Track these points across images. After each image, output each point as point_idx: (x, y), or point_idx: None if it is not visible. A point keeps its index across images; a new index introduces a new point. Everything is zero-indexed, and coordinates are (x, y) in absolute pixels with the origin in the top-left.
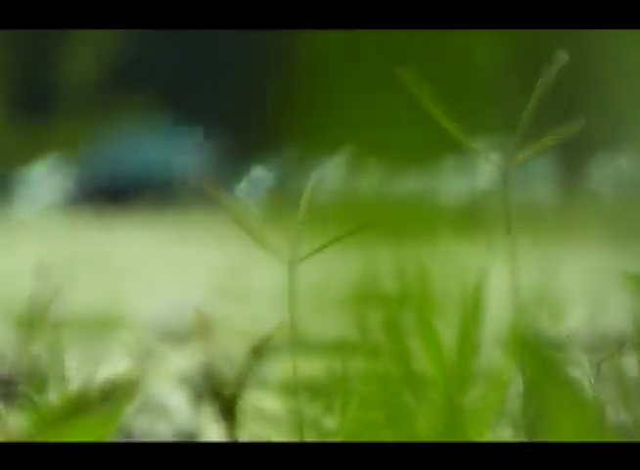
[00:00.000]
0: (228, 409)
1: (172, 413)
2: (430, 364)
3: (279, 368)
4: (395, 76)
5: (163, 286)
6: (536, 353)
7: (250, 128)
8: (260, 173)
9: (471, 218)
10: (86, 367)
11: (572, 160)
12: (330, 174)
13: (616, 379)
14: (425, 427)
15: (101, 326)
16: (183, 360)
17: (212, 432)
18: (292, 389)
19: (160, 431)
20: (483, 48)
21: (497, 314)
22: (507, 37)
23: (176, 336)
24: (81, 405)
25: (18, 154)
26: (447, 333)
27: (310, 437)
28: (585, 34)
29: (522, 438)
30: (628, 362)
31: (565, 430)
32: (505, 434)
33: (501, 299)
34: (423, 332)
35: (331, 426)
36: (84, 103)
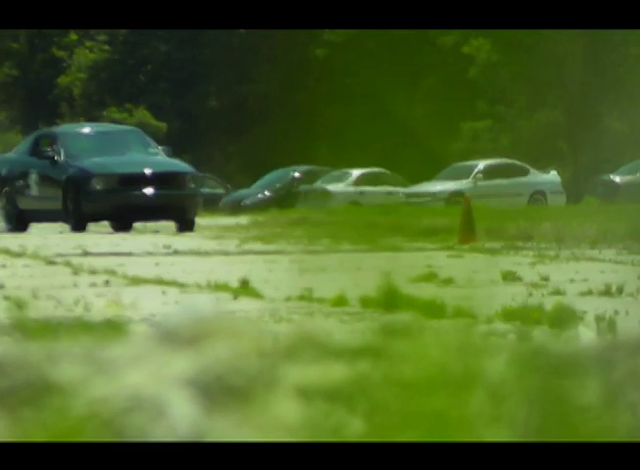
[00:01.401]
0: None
1: (178, 415)
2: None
3: (298, 372)
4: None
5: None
6: (540, 361)
7: (267, 133)
8: (273, 177)
9: (470, 223)
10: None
11: (588, 167)
12: (340, 183)
13: (632, 381)
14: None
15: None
16: (190, 362)
17: (220, 434)
18: (311, 393)
19: (163, 432)
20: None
21: (498, 319)
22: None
23: (182, 338)
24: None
25: None
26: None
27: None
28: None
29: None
30: None
31: (566, 433)
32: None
33: (502, 303)
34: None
35: (353, 431)
36: None
